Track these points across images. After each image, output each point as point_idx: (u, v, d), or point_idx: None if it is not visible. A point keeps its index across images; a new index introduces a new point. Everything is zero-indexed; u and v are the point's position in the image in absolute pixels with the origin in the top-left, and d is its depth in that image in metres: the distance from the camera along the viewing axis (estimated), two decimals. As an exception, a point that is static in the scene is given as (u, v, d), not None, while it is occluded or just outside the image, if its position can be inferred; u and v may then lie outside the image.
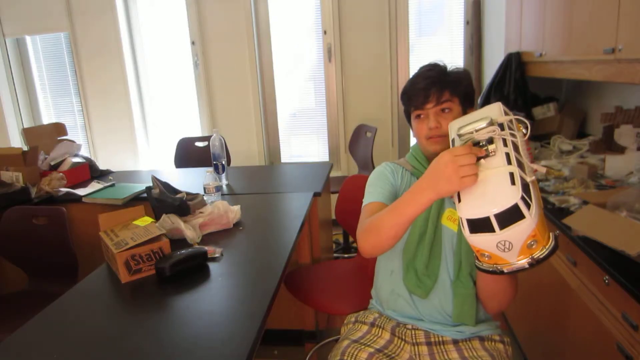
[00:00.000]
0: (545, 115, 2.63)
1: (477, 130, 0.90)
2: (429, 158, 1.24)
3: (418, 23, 3.65)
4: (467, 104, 1.21)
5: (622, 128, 2.01)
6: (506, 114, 0.94)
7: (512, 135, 0.89)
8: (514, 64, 2.57)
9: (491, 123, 0.90)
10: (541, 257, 0.84)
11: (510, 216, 0.80)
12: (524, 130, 0.94)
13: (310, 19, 3.77)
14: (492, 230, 0.82)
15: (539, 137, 2.55)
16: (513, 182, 0.81)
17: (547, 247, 0.84)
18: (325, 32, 3.73)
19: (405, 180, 1.28)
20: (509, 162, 0.84)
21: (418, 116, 1.21)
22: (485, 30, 3.42)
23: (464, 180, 0.85)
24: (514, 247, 0.83)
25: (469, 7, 3.50)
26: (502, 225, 0.81)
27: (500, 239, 0.82)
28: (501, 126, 0.90)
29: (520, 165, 0.86)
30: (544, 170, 0.88)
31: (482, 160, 0.88)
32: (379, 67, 3.69)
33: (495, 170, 0.85)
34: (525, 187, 0.82)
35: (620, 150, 2.01)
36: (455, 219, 1.20)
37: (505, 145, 0.87)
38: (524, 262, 0.84)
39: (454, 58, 3.66)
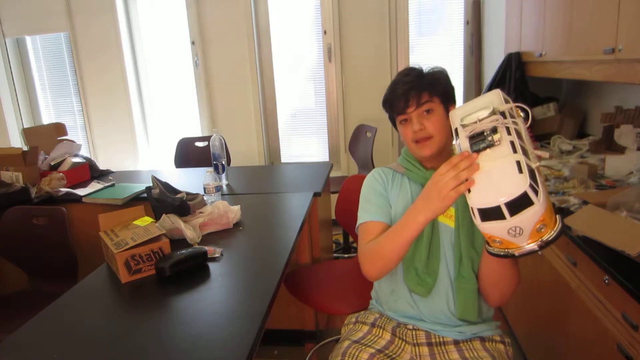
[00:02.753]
0: (545, 115, 2.63)
1: (480, 120, 0.92)
2: (420, 160, 1.26)
3: (418, 23, 3.65)
4: (448, 102, 1.23)
5: (622, 128, 2.01)
6: (506, 101, 0.95)
7: (515, 123, 0.91)
8: (514, 64, 2.57)
9: (493, 112, 0.92)
10: (550, 239, 0.87)
11: (519, 203, 0.83)
12: (522, 116, 0.95)
13: (310, 19, 3.77)
14: (503, 217, 0.84)
15: (539, 137, 2.55)
16: (520, 171, 0.84)
17: (555, 229, 0.87)
18: (325, 32, 3.73)
19: (396, 183, 1.30)
20: (515, 151, 0.86)
21: (402, 121, 1.23)
22: (485, 30, 3.42)
23: (450, 194, 0.93)
24: (524, 232, 0.85)
25: (469, 7, 3.50)
26: (513, 213, 0.83)
27: (511, 225, 0.85)
28: (503, 114, 0.92)
29: (525, 152, 0.87)
30: (547, 155, 0.90)
31: (488, 150, 0.90)
32: (379, 67, 3.69)
33: (502, 159, 0.87)
34: (532, 173, 0.84)
35: (620, 150, 2.01)
36: (451, 215, 1.20)
37: (509, 133, 0.89)
38: (533, 245, 0.87)
39: (454, 58, 3.66)
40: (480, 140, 0.92)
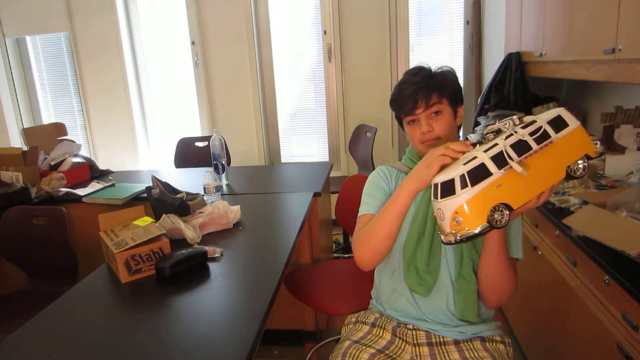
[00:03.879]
0: (545, 115, 2.62)
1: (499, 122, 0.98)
2: None
3: (418, 23, 3.65)
4: (457, 103, 1.22)
5: (622, 128, 2.00)
6: (560, 123, 0.96)
7: (530, 134, 0.94)
8: (514, 64, 2.57)
9: (520, 121, 0.97)
10: (460, 238, 0.91)
11: (447, 189, 0.93)
12: (551, 134, 0.95)
13: (310, 19, 3.77)
14: (436, 197, 0.95)
15: (539, 137, 2.54)
16: (466, 163, 0.91)
17: (469, 230, 0.90)
18: (325, 32, 3.73)
19: (399, 182, 1.29)
20: (487, 150, 0.93)
21: (410, 121, 1.22)
22: (485, 30, 3.42)
23: (434, 162, 1.00)
24: (445, 218, 0.93)
25: (469, 7, 3.50)
26: (442, 195, 0.93)
27: (438, 207, 0.94)
28: (525, 125, 0.96)
29: (500, 158, 0.91)
30: (519, 169, 0.91)
31: (477, 145, 0.97)
32: (379, 67, 3.69)
33: (472, 153, 0.95)
34: (480, 170, 0.90)
35: (620, 150, 2.01)
36: None
37: (507, 139, 0.94)
38: (451, 237, 0.92)
39: (454, 58, 3.66)
40: (482, 138, 0.99)
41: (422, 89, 1.17)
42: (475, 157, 0.92)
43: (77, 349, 1.07)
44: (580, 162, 0.95)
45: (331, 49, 3.72)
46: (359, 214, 1.28)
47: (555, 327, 1.64)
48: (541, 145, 0.93)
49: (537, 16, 2.30)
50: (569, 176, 0.95)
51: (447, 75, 1.22)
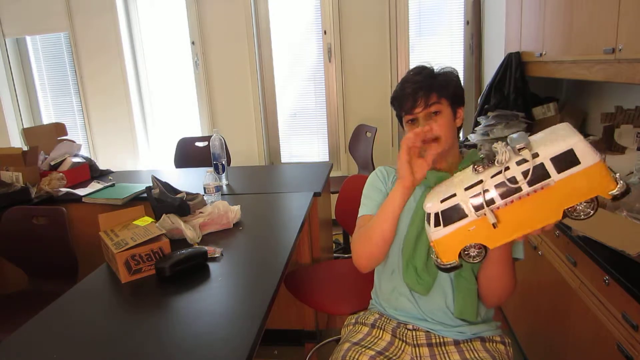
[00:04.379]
0: (545, 115, 2.62)
1: (499, 150, 0.87)
2: None
3: (418, 23, 3.65)
4: (457, 104, 1.22)
5: (622, 128, 2.00)
6: (568, 160, 0.82)
7: (523, 173, 0.83)
8: (514, 63, 2.57)
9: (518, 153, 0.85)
10: (437, 265, 0.95)
11: (428, 217, 0.94)
12: (552, 174, 0.83)
13: (310, 19, 3.76)
14: (427, 220, 0.96)
15: (539, 137, 2.54)
16: (442, 200, 0.91)
17: (442, 262, 0.94)
18: (325, 32, 3.73)
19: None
20: (467, 188, 0.89)
21: (409, 120, 1.22)
22: (485, 30, 3.42)
23: (403, 151, 1.05)
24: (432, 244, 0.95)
25: (469, 7, 3.50)
26: (427, 220, 0.95)
27: (428, 232, 0.96)
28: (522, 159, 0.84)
29: (478, 205, 0.86)
30: (491, 220, 0.85)
31: (469, 171, 0.93)
32: (379, 67, 3.69)
33: (452, 184, 0.94)
34: (454, 210, 0.89)
35: (620, 150, 2.01)
36: None
37: (494, 176, 0.86)
38: (434, 259, 0.96)
39: (454, 58, 3.66)
40: (479, 161, 0.91)
41: (422, 89, 1.17)
42: (454, 195, 0.88)
43: (77, 349, 1.07)
44: (582, 205, 0.81)
45: (331, 49, 3.72)
46: (358, 215, 1.31)
47: (555, 327, 1.64)
48: (534, 187, 0.82)
49: (537, 16, 2.30)
50: (568, 217, 0.84)
51: (449, 76, 1.22)
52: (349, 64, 3.73)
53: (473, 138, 2.68)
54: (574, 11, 1.89)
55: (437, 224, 0.91)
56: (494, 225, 0.86)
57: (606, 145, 2.11)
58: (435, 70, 1.22)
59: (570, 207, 0.83)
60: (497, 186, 0.85)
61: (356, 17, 3.63)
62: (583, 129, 2.56)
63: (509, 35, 2.79)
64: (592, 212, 0.82)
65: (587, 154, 0.80)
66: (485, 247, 0.90)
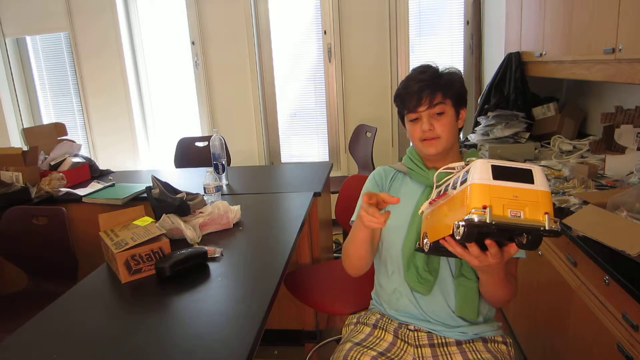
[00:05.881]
0: (545, 115, 2.63)
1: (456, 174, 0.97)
2: (424, 159, 1.26)
3: (418, 23, 3.65)
4: (460, 105, 1.23)
5: (622, 128, 2.00)
6: (464, 181, 0.90)
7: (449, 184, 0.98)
8: (514, 64, 2.57)
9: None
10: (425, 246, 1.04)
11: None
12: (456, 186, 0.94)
13: (310, 19, 3.77)
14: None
15: (539, 137, 2.55)
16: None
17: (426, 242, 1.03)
18: (325, 32, 3.73)
19: (397, 183, 1.31)
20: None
21: (412, 119, 1.22)
22: (485, 30, 3.42)
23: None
24: None
25: (469, 7, 3.50)
26: None
27: None
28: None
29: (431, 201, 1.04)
30: (420, 210, 1.08)
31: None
32: (379, 67, 3.69)
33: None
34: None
35: (621, 150, 2.01)
36: None
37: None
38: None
39: (453, 58, 3.66)
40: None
41: (427, 87, 1.17)
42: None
43: (77, 349, 1.07)
44: (460, 224, 0.84)
45: (331, 49, 3.72)
46: (351, 220, 1.32)
47: (555, 327, 1.64)
48: (443, 195, 0.97)
49: (537, 16, 2.30)
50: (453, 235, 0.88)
51: (454, 77, 1.22)
52: (349, 64, 3.73)
53: (473, 138, 2.68)
54: (574, 11, 1.89)
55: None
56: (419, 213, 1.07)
57: (606, 145, 2.11)
58: (440, 70, 1.22)
59: (457, 223, 0.85)
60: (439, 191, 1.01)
61: (356, 17, 3.63)
62: (583, 129, 2.56)
63: (509, 35, 2.79)
64: (464, 234, 0.84)
65: (473, 178, 0.86)
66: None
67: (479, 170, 0.86)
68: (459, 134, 1.28)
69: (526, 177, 0.86)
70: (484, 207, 0.81)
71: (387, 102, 3.72)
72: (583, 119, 2.56)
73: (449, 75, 1.22)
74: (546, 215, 0.83)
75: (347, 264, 1.30)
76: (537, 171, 0.87)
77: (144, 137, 4.25)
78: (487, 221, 0.80)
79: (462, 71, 3.92)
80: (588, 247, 1.32)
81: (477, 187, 0.84)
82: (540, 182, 0.86)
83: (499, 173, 0.85)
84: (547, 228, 0.83)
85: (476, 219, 0.81)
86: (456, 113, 1.21)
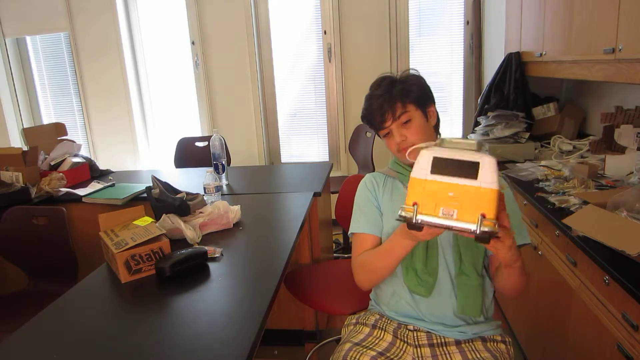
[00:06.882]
0: (545, 115, 2.63)
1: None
2: (409, 165, 1.26)
3: (418, 23, 3.65)
4: (425, 105, 1.24)
5: (622, 128, 2.00)
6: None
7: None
8: (514, 63, 2.57)
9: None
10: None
11: None
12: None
13: (310, 19, 3.76)
14: None
15: (539, 137, 2.55)
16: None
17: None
18: (325, 32, 3.73)
19: (388, 188, 1.32)
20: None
21: (384, 135, 1.25)
22: (485, 30, 3.42)
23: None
24: None
25: (469, 7, 3.50)
26: None
27: None
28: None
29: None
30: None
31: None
32: (379, 67, 3.68)
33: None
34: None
35: (621, 150, 2.01)
36: None
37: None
38: None
39: (453, 58, 3.66)
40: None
41: (385, 102, 1.20)
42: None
43: (77, 349, 1.07)
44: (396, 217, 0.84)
45: (331, 49, 3.72)
46: (352, 231, 1.31)
47: (555, 327, 1.64)
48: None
49: (537, 16, 2.30)
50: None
51: (410, 80, 1.24)
52: (349, 64, 3.73)
53: (473, 138, 2.68)
54: (574, 11, 1.89)
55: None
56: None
57: (606, 145, 2.11)
58: (394, 78, 1.24)
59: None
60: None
61: (356, 17, 3.63)
62: (583, 129, 2.56)
63: (509, 35, 2.79)
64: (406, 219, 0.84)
65: (413, 170, 0.85)
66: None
67: (420, 162, 0.82)
68: (437, 131, 1.29)
69: (471, 171, 0.78)
70: (414, 204, 0.79)
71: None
72: (583, 119, 2.56)
73: (404, 81, 1.23)
74: (480, 217, 0.76)
75: (369, 278, 1.25)
76: (485, 164, 0.79)
77: (144, 137, 4.25)
78: (412, 221, 0.79)
79: (462, 71, 3.92)
80: (588, 247, 1.32)
81: (412, 182, 0.82)
82: (484, 178, 0.78)
83: (440, 166, 0.80)
84: (476, 231, 0.76)
85: (403, 216, 0.80)
86: (424, 113, 1.23)
